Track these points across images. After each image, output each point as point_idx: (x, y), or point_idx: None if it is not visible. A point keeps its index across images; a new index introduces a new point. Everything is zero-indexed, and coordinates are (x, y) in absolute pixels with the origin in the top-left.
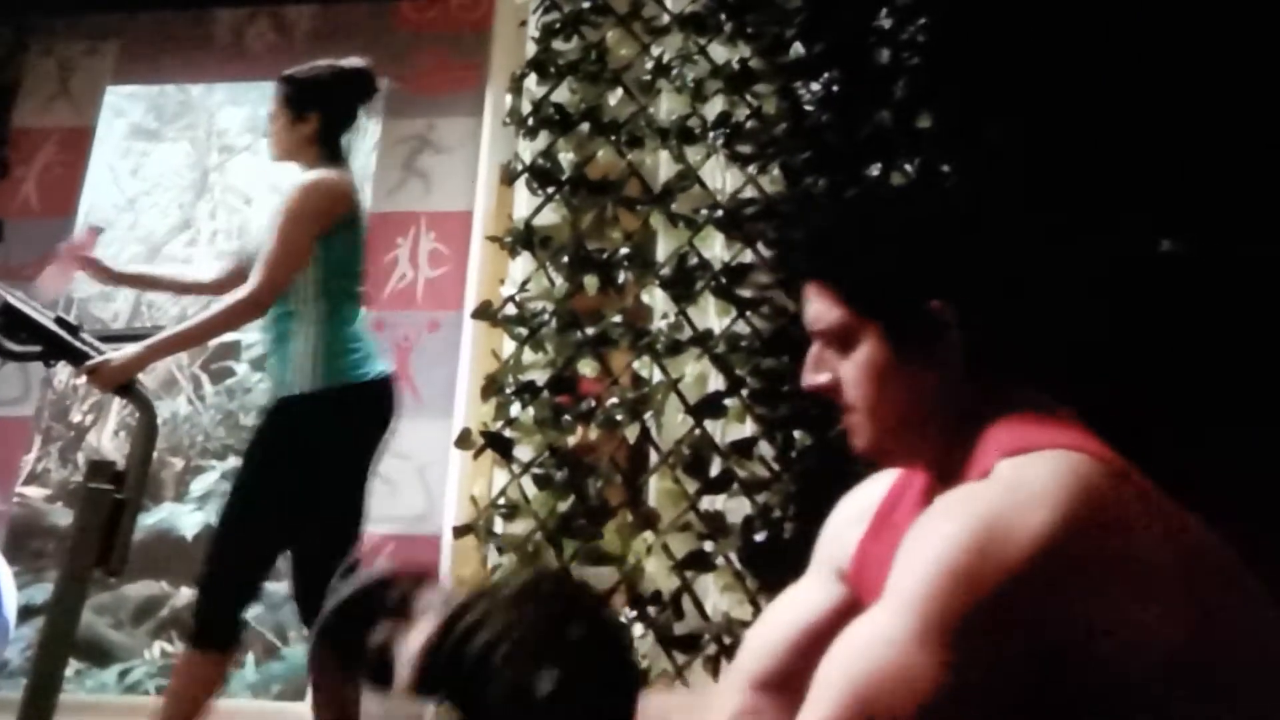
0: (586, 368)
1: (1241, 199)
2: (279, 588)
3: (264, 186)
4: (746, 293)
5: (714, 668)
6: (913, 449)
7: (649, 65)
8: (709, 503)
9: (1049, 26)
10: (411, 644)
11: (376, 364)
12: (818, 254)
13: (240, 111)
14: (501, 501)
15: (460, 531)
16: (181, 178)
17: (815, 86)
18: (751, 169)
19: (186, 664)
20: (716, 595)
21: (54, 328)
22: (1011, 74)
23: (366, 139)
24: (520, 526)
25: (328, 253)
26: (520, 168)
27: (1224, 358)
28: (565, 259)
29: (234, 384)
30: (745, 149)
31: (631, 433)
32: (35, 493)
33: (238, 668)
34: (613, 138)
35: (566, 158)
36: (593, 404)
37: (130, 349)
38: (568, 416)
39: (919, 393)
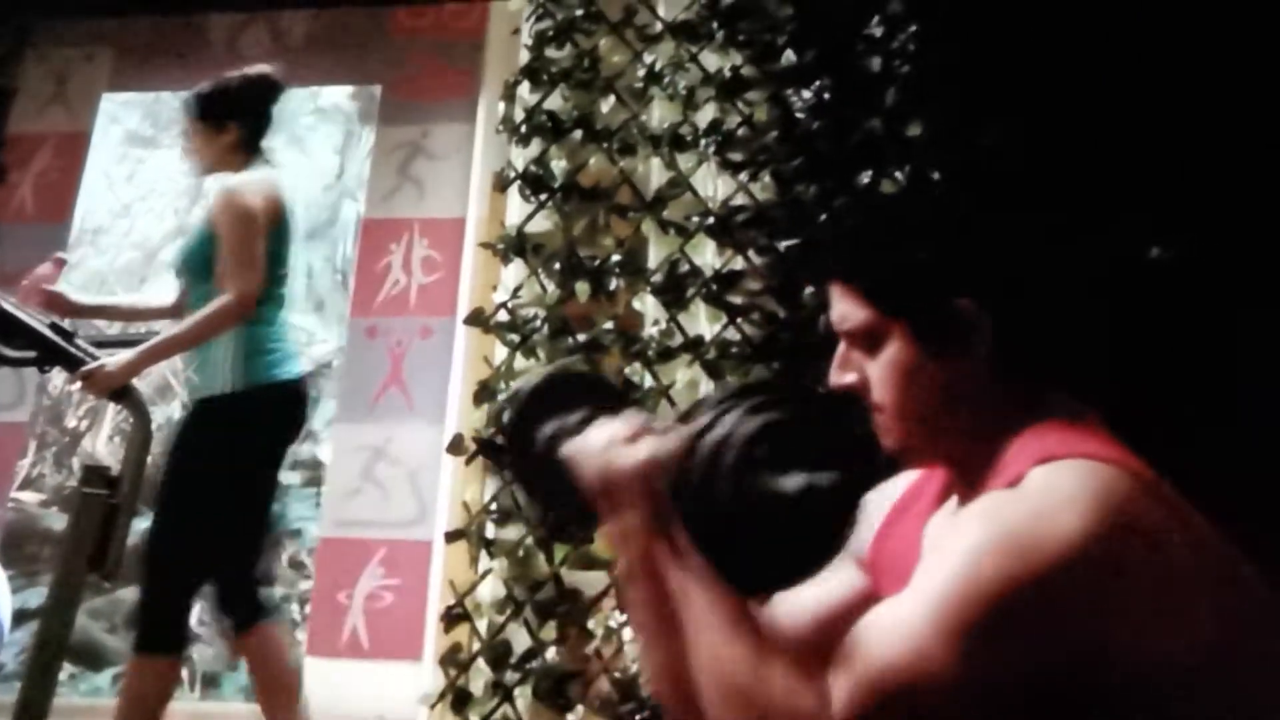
0: None
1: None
2: (271, 593)
3: None
4: (737, 299)
5: None
6: (940, 448)
7: (641, 73)
8: None
9: (1038, 34)
10: (592, 443)
11: (296, 364)
12: (845, 254)
13: None
14: (493, 507)
15: (452, 537)
16: (176, 184)
17: (806, 94)
18: (743, 176)
19: (138, 672)
20: None
21: (48, 333)
22: (1001, 81)
23: (360, 145)
24: (512, 532)
25: None
26: (513, 175)
27: (1221, 358)
28: (557, 266)
29: None
30: (736, 156)
31: None
32: (30, 497)
33: (231, 670)
34: (605, 145)
35: (559, 165)
36: None
37: (125, 355)
38: None
39: (946, 393)
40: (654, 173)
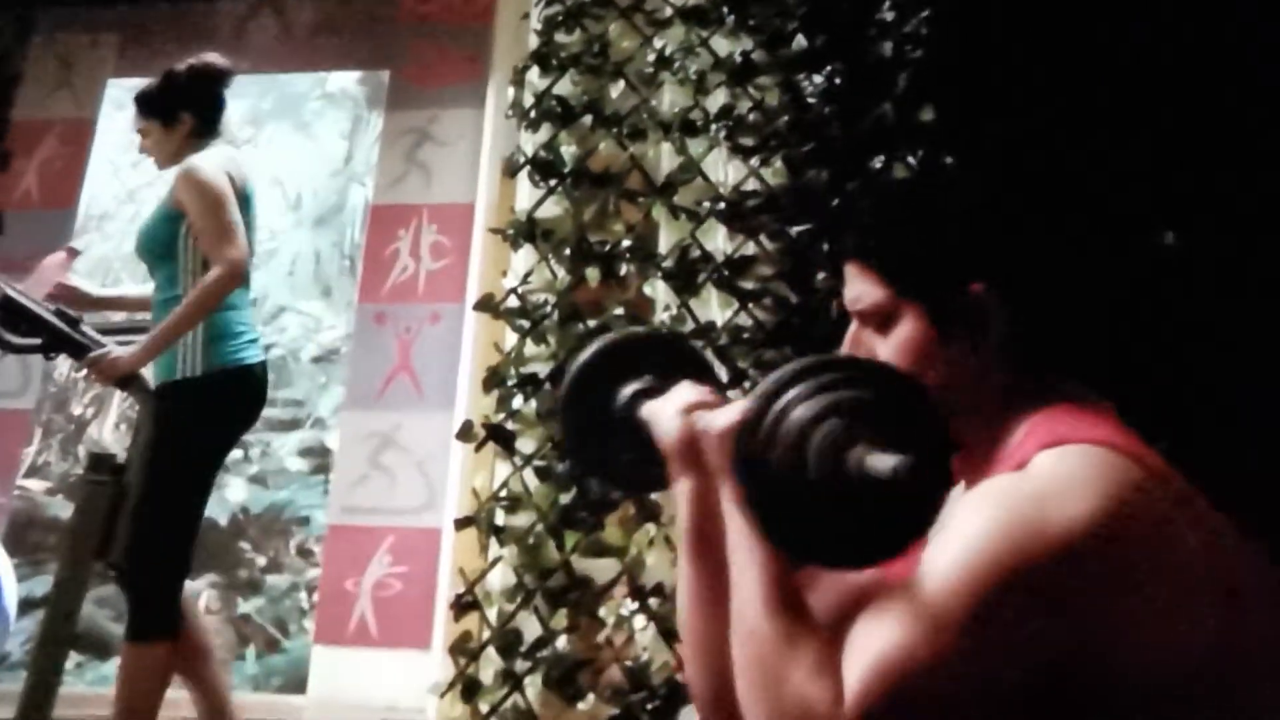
0: None
1: (1241, 193)
2: (279, 581)
3: (264, 180)
4: (749, 285)
5: None
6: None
7: (651, 58)
8: None
9: (1049, 19)
10: (674, 404)
11: (257, 350)
12: (862, 234)
13: (241, 104)
14: (503, 494)
15: (461, 524)
16: None
17: (817, 79)
18: (754, 161)
19: (135, 660)
20: None
21: (54, 320)
22: (1014, 66)
23: (369, 130)
24: (522, 519)
25: None
26: (522, 160)
27: (1224, 351)
28: (567, 251)
29: None
30: (747, 141)
31: None
32: (36, 485)
33: (239, 659)
34: (615, 130)
35: (569, 150)
36: None
37: (134, 344)
38: None
39: (957, 375)
40: (664, 158)
